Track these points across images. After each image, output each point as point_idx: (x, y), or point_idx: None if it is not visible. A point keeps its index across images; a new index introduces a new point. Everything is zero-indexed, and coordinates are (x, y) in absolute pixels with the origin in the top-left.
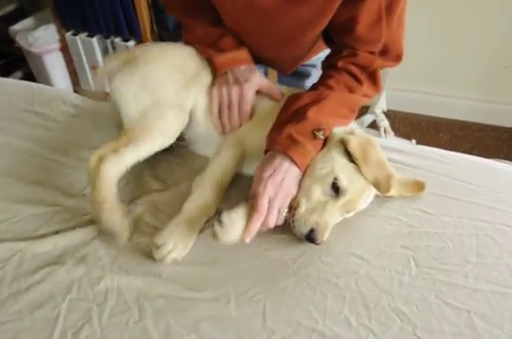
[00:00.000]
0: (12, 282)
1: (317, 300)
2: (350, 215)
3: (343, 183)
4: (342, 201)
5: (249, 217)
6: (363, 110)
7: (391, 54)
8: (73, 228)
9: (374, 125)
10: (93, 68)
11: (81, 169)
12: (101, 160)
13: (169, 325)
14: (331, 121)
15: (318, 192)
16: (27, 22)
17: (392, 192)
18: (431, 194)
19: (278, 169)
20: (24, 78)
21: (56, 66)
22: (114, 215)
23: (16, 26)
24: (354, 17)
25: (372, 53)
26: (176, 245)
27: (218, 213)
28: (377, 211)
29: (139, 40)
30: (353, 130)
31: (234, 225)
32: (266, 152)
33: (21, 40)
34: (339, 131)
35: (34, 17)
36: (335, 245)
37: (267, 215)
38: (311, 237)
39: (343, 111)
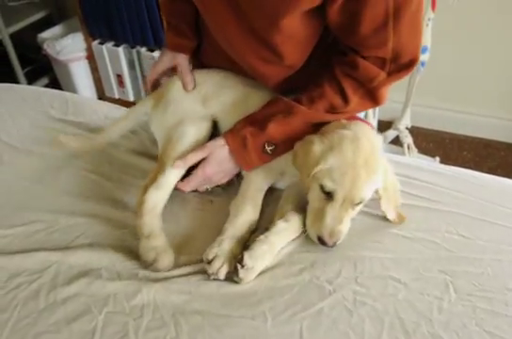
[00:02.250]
0: (49, 293)
1: (354, 323)
2: (358, 208)
3: (327, 185)
4: (338, 200)
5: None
6: (386, 126)
7: (402, 60)
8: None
9: (396, 141)
10: (118, 76)
11: (119, 180)
12: (144, 192)
13: None
14: (289, 138)
15: (315, 201)
16: (55, 30)
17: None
18: (468, 217)
19: (220, 164)
20: (49, 85)
21: (81, 74)
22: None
23: (44, 34)
24: (356, 16)
25: (382, 59)
26: (226, 260)
27: (240, 257)
28: (414, 233)
29: None
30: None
31: (256, 265)
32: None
33: (48, 48)
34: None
35: (62, 25)
36: (371, 266)
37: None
38: (323, 243)
39: (308, 129)
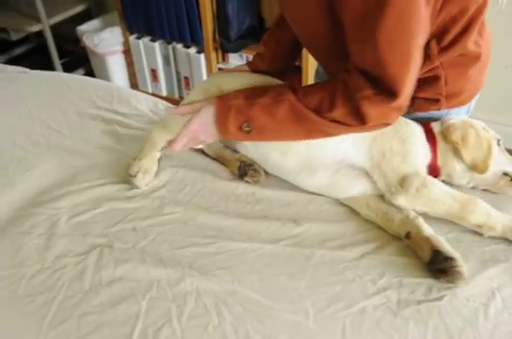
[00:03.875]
0: (94, 275)
1: (398, 325)
2: None
3: None
4: None
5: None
6: None
7: (382, 84)
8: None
9: None
10: (152, 71)
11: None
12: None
13: (249, 333)
14: (266, 128)
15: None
16: (94, 23)
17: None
18: None
19: (204, 124)
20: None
21: (117, 67)
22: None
23: (83, 27)
24: (341, 18)
25: (368, 73)
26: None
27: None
28: (458, 238)
29: (201, 48)
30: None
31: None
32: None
33: (87, 41)
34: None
35: (101, 19)
36: (416, 270)
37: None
38: None
39: (294, 127)
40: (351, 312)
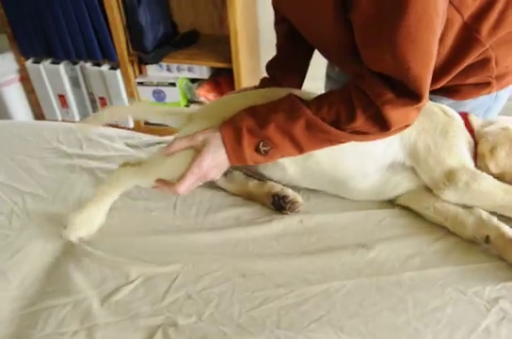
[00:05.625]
0: None
1: None
2: None
3: None
4: None
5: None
6: None
7: (404, 87)
8: None
9: None
10: (60, 97)
11: None
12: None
13: None
14: (285, 144)
15: None
16: None
17: None
18: None
19: (215, 157)
20: None
21: (15, 98)
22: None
23: None
24: (351, 21)
25: (386, 76)
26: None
27: None
28: None
29: (115, 64)
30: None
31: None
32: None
33: None
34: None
35: None
36: (502, 269)
37: (184, 184)
38: None
39: (314, 141)
40: (478, 336)
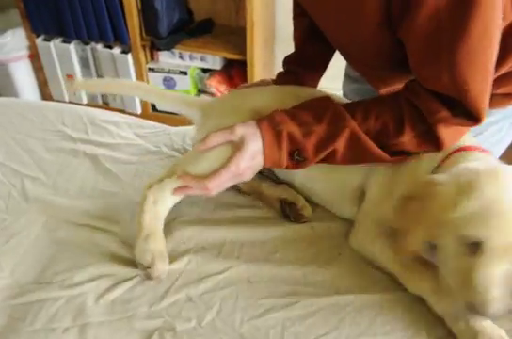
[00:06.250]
0: None
1: None
2: None
3: (471, 234)
4: (487, 253)
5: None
6: None
7: (461, 107)
8: None
9: None
10: (68, 77)
11: None
12: (148, 188)
13: None
14: (321, 157)
15: (452, 258)
16: None
17: None
18: None
19: (254, 157)
20: None
21: (23, 75)
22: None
23: None
24: (404, 39)
25: (443, 95)
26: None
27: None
28: None
29: (127, 47)
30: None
31: None
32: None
33: None
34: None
35: None
36: None
37: (217, 182)
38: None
39: (350, 157)
40: None
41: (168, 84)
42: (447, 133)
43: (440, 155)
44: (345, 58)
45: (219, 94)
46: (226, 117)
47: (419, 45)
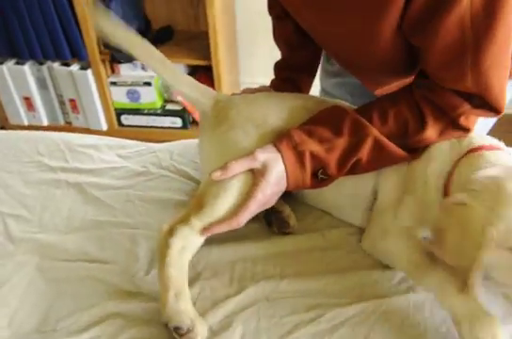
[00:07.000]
0: None
1: None
2: None
3: None
4: None
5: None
6: None
7: (483, 102)
8: None
9: None
10: (25, 99)
11: None
12: (171, 233)
13: None
14: (344, 172)
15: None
16: None
17: None
18: None
19: (278, 183)
20: None
21: None
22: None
23: None
24: (426, 48)
25: (458, 93)
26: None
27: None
28: None
29: (85, 63)
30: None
31: None
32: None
33: None
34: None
35: None
36: None
37: (245, 213)
38: None
39: (372, 165)
40: None
41: (132, 97)
42: (469, 119)
43: (454, 153)
44: (341, 64)
45: (187, 103)
46: (239, 128)
47: (443, 48)
